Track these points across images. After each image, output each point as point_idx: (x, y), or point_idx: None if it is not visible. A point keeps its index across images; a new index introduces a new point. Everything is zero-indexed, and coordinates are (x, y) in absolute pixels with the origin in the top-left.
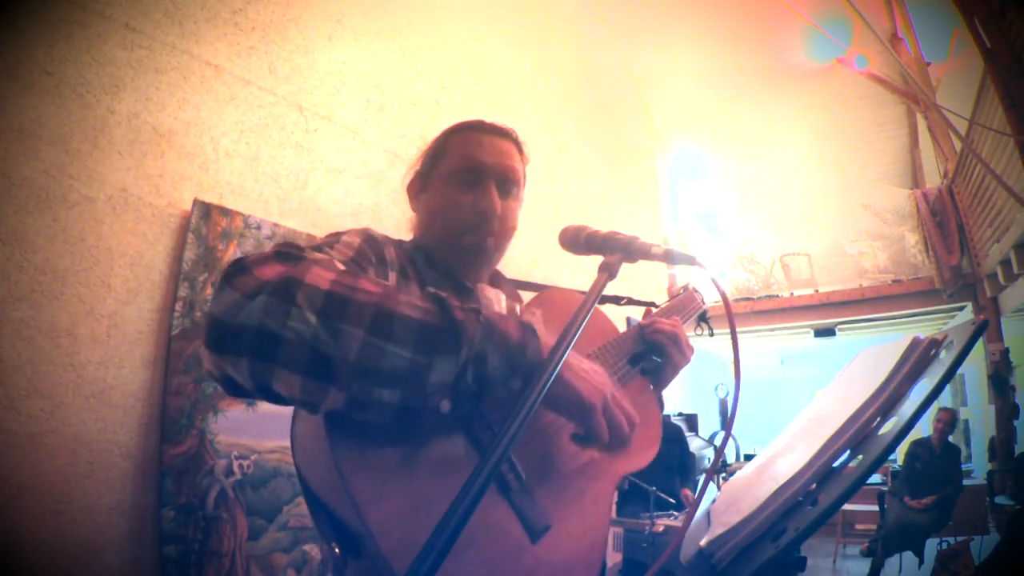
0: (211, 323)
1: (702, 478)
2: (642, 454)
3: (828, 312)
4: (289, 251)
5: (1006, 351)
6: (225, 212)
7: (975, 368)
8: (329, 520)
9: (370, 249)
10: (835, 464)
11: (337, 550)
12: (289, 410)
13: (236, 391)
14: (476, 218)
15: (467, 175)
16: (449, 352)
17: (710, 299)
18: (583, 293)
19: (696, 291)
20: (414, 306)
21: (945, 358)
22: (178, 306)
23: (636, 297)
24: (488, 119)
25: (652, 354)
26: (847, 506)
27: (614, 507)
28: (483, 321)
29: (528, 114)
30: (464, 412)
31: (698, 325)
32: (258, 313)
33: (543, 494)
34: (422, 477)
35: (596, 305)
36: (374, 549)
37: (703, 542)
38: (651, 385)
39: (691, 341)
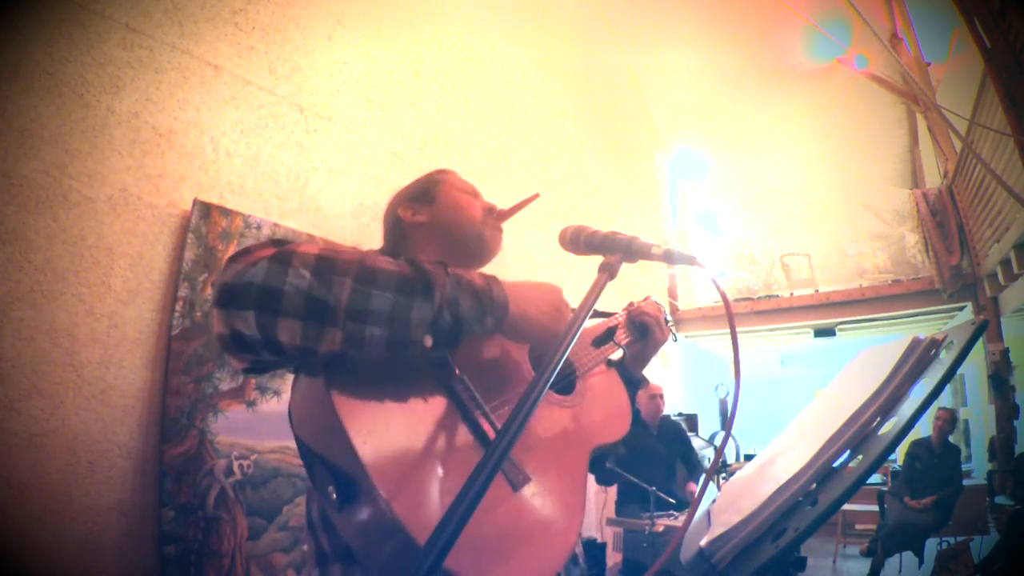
0: (220, 287)
1: (702, 478)
2: (612, 430)
3: (828, 312)
4: (283, 240)
5: (1006, 351)
6: (225, 212)
7: (975, 368)
8: (325, 468)
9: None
10: (835, 464)
11: (334, 495)
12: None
13: (243, 347)
14: (487, 213)
15: (470, 191)
16: (425, 297)
17: (710, 299)
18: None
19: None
20: (390, 262)
21: (945, 358)
22: (178, 306)
23: (634, 299)
24: (488, 119)
25: (613, 336)
26: (847, 506)
27: (613, 505)
28: (451, 273)
29: (528, 114)
30: (442, 358)
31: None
32: (261, 274)
33: (521, 454)
34: (407, 420)
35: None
36: (368, 486)
37: (703, 542)
38: (617, 372)
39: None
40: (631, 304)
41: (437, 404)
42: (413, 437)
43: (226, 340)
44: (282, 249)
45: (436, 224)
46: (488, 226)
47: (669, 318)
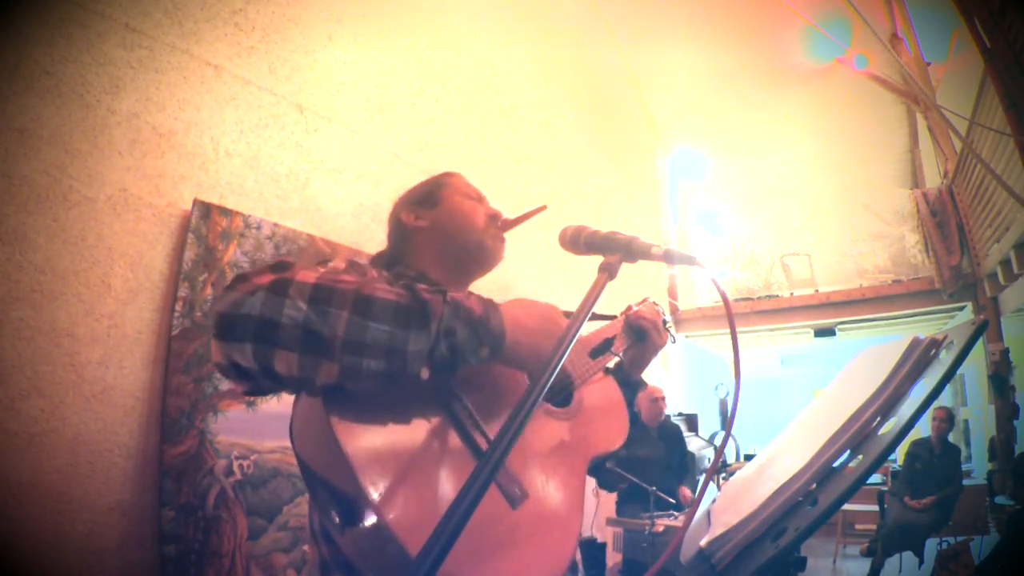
0: (218, 317)
1: (702, 478)
2: (609, 439)
3: (828, 312)
4: (282, 263)
5: (1006, 351)
6: (225, 212)
7: (975, 368)
8: (327, 492)
9: (353, 270)
10: (835, 464)
11: (337, 519)
12: (288, 409)
13: (242, 376)
14: (490, 220)
15: (475, 196)
16: (421, 328)
17: (710, 299)
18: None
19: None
20: (388, 290)
21: (945, 358)
22: (178, 306)
23: (629, 302)
24: (488, 119)
25: (610, 347)
26: (847, 506)
27: (614, 506)
28: (449, 300)
29: (528, 114)
30: (441, 380)
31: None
32: (258, 305)
33: (519, 468)
34: (407, 443)
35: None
36: (369, 509)
37: (703, 542)
38: (615, 375)
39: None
40: (629, 308)
41: (437, 426)
42: (414, 461)
43: (225, 369)
44: (280, 277)
45: (437, 230)
46: (490, 234)
47: (668, 320)
